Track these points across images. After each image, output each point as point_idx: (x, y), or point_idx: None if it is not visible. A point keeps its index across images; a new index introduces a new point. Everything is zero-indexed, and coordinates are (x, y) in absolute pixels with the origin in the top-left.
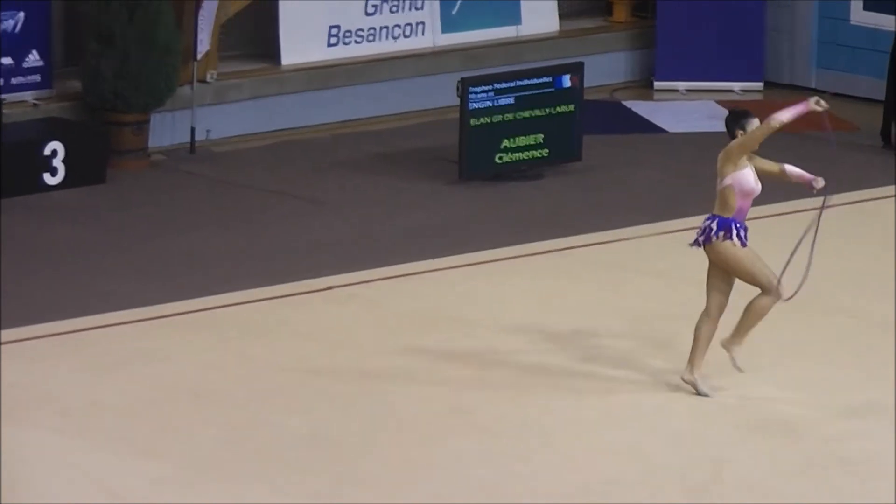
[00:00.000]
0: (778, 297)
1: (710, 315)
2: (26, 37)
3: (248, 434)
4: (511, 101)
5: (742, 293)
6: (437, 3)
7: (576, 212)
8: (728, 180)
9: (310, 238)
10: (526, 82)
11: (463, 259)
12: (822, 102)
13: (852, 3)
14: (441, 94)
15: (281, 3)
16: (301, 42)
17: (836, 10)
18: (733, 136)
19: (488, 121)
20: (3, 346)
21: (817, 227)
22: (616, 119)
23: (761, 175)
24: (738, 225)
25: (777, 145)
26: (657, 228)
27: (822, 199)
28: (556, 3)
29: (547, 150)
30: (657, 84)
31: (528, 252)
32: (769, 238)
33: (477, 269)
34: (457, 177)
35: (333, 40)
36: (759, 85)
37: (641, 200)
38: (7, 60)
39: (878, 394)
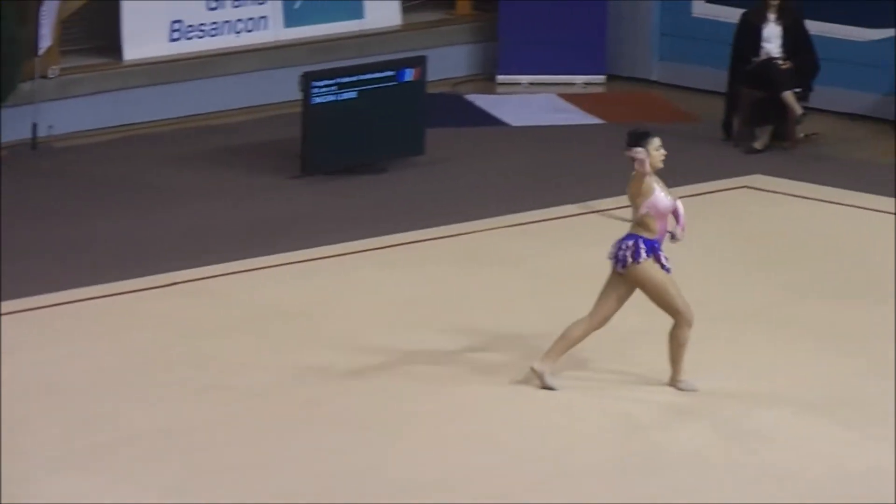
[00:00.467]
0: (691, 321)
1: (593, 321)
2: None
3: (96, 427)
4: (354, 95)
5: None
6: None
7: (420, 205)
8: (644, 209)
9: (154, 233)
10: (369, 76)
11: (308, 253)
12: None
13: None
14: (285, 88)
15: None
16: (143, 37)
17: (678, 2)
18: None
19: (331, 115)
20: None
21: None
22: (459, 113)
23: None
24: (660, 248)
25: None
26: (502, 221)
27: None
28: None
29: (390, 144)
30: (500, 77)
31: (372, 246)
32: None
33: (322, 263)
34: (300, 171)
35: (176, 35)
36: (601, 78)
37: (485, 193)
38: None
39: (718, 386)
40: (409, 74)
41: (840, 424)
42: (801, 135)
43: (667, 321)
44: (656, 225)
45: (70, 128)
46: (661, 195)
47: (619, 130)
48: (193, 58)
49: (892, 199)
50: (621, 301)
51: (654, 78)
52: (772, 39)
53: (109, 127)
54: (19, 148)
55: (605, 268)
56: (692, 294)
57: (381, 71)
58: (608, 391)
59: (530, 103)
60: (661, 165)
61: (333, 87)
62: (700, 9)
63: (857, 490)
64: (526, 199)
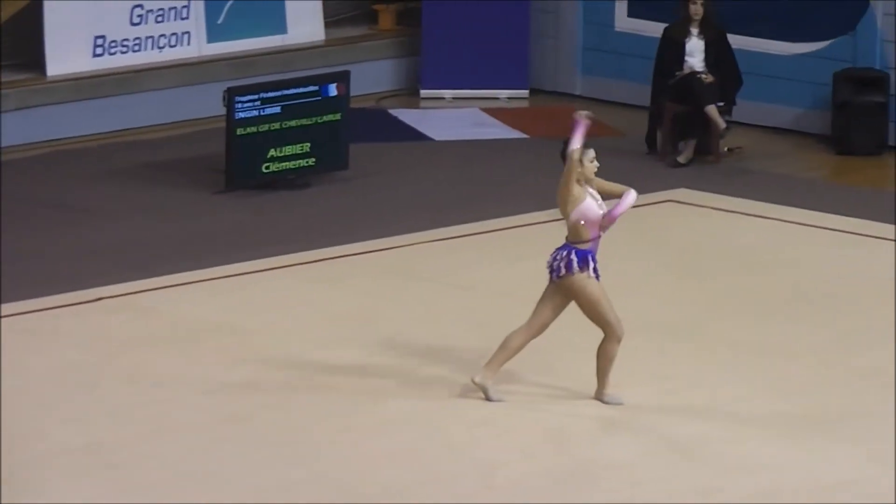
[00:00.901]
0: (621, 336)
1: (531, 330)
2: None
3: (21, 444)
4: (277, 110)
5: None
6: (203, 13)
7: (344, 220)
8: (574, 216)
9: (78, 248)
10: (292, 91)
11: (234, 268)
12: (582, 113)
13: (616, 9)
14: (208, 103)
15: (46, 12)
16: (66, 52)
17: (601, 16)
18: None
19: (255, 130)
20: None
21: None
22: (382, 127)
23: (606, 196)
24: (594, 257)
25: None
26: (426, 236)
27: None
28: (321, 11)
29: (314, 159)
30: (423, 92)
31: (298, 261)
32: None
33: (248, 278)
34: (224, 186)
35: (99, 50)
36: (524, 92)
37: (409, 208)
38: None
39: (644, 400)
40: (333, 89)
41: (764, 438)
42: (725, 149)
43: (595, 335)
44: (588, 233)
45: None
46: (591, 204)
47: (542, 145)
48: (117, 73)
49: (815, 213)
50: (557, 310)
51: (577, 92)
52: (695, 54)
53: (33, 143)
54: None
55: (531, 281)
56: (617, 307)
57: (305, 86)
58: (537, 405)
59: (454, 118)
60: (593, 177)
61: (257, 102)
62: (623, 23)
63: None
64: (451, 214)
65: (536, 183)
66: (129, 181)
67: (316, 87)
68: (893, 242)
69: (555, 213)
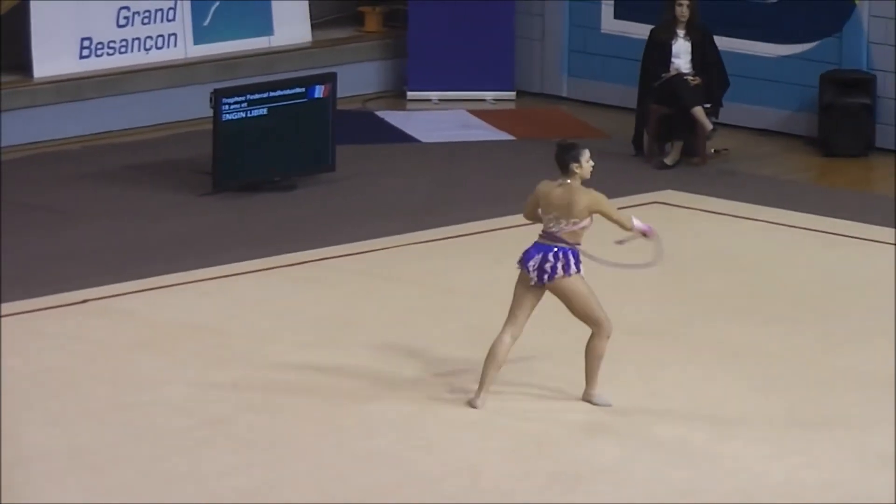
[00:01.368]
0: (610, 333)
1: (515, 331)
2: None
3: (4, 445)
4: (264, 111)
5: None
6: (189, 15)
7: (330, 222)
8: (587, 222)
9: (63, 250)
10: (279, 93)
11: (219, 270)
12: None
13: (603, 11)
14: (194, 105)
15: (32, 14)
16: (52, 54)
17: (587, 18)
18: (566, 168)
19: (241, 131)
20: None
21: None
22: (369, 129)
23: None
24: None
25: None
26: (411, 238)
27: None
28: (308, 13)
29: (300, 161)
30: (410, 94)
31: (283, 263)
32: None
33: (233, 280)
34: (211, 187)
35: (85, 52)
36: (511, 94)
37: (395, 210)
38: None
39: (628, 402)
40: (319, 91)
41: (748, 439)
42: (711, 150)
43: (578, 337)
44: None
45: None
46: None
47: (528, 146)
48: (103, 75)
49: (802, 214)
50: (533, 309)
51: (563, 94)
52: (681, 55)
53: (18, 144)
54: None
55: (512, 284)
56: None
57: (292, 88)
58: (521, 407)
59: (440, 119)
60: (588, 177)
61: (244, 104)
62: (609, 25)
63: None
64: (437, 215)
65: (522, 185)
66: (115, 183)
67: (302, 89)
68: (885, 244)
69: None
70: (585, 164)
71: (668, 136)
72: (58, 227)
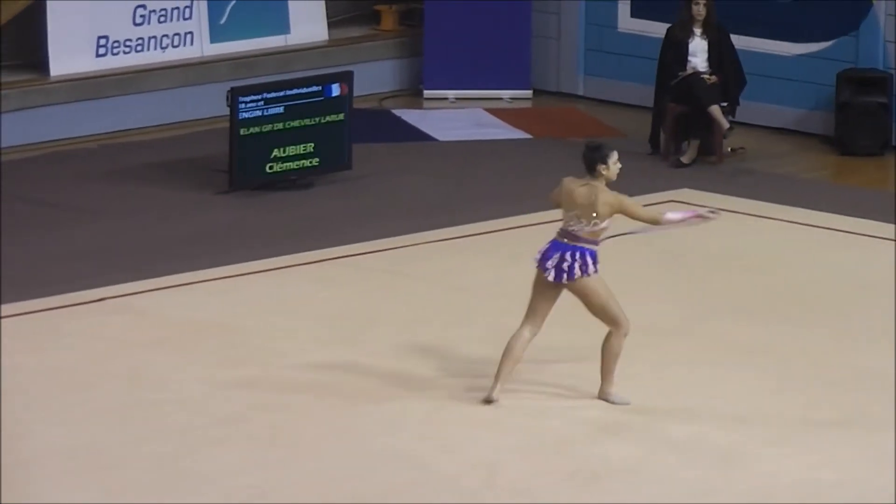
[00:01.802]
0: (628, 331)
1: (535, 328)
2: None
3: (13, 445)
4: (281, 110)
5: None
6: (206, 13)
7: (346, 220)
8: (607, 223)
9: (80, 249)
10: (295, 91)
11: (236, 268)
12: (714, 214)
13: (619, 10)
14: (211, 103)
15: (49, 13)
16: (69, 52)
17: (603, 17)
18: (593, 169)
19: (258, 130)
20: None
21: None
22: (385, 128)
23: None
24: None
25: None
26: (427, 236)
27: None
28: (324, 11)
29: (317, 160)
30: (426, 93)
31: (300, 261)
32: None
33: (250, 278)
34: (227, 186)
35: (102, 51)
36: (527, 93)
37: (411, 208)
38: None
39: (641, 401)
40: (336, 90)
41: (765, 439)
42: (728, 149)
43: (591, 336)
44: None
45: None
46: None
47: (544, 145)
48: (119, 73)
49: (818, 213)
50: (552, 306)
51: (580, 93)
52: (698, 54)
53: (35, 143)
54: None
55: (528, 282)
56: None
57: (308, 86)
58: (536, 406)
59: (457, 118)
60: (615, 179)
61: (260, 103)
62: (625, 24)
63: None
64: (454, 214)
65: (538, 183)
66: (131, 181)
67: (319, 88)
68: (894, 242)
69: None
70: (612, 165)
71: (684, 134)
72: (74, 226)
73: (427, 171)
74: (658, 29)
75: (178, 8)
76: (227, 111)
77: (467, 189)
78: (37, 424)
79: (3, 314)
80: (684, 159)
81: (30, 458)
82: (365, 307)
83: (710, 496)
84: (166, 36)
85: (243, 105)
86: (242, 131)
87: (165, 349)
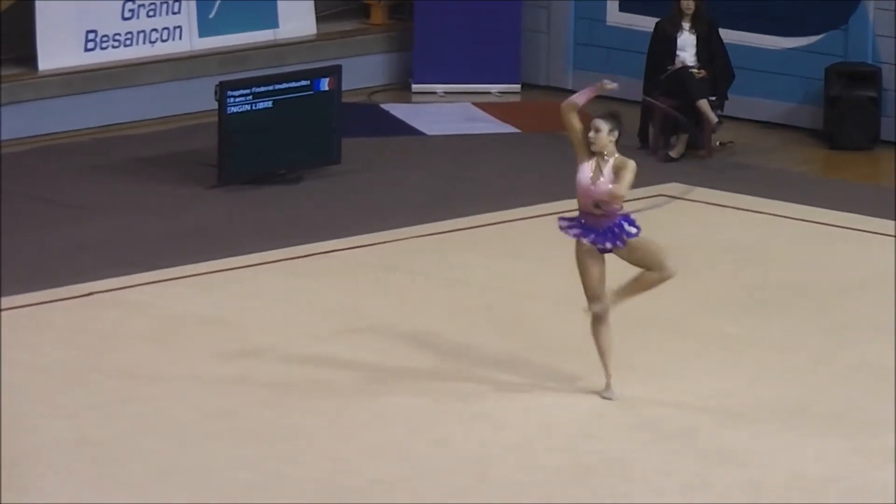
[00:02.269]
0: (670, 276)
1: (603, 309)
2: None
3: (11, 438)
4: (269, 104)
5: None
6: (195, 7)
7: (336, 214)
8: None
9: (70, 242)
10: (284, 86)
11: (225, 262)
12: (608, 83)
13: (608, 4)
14: (200, 97)
15: (38, 7)
16: (58, 47)
17: (592, 11)
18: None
19: (247, 124)
20: None
21: None
22: (374, 122)
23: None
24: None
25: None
26: (417, 230)
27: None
28: (312, 5)
29: (306, 154)
30: (415, 87)
31: (289, 255)
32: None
33: (239, 273)
34: (216, 181)
35: (91, 45)
36: (516, 87)
37: (401, 203)
38: None
39: (637, 393)
40: (325, 84)
41: (755, 432)
42: (717, 143)
43: (583, 330)
44: (580, 204)
45: None
46: (583, 169)
47: (534, 139)
48: (108, 68)
49: (808, 207)
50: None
51: (569, 87)
52: (686, 48)
53: (24, 137)
54: None
55: (523, 275)
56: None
57: (297, 80)
58: (530, 399)
59: (446, 112)
60: (604, 149)
61: (249, 97)
62: (614, 18)
63: (779, 497)
64: (443, 208)
65: (527, 177)
66: (120, 176)
67: (308, 82)
68: (891, 238)
69: (553, 206)
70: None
71: (673, 128)
72: (64, 220)
73: (416, 165)
74: (647, 23)
75: (166, 2)
76: (215, 105)
77: (456, 183)
78: (30, 419)
79: None
80: (673, 154)
81: (25, 454)
82: (355, 301)
83: (703, 491)
84: (155, 30)
85: (232, 99)
86: (231, 126)
87: (158, 344)
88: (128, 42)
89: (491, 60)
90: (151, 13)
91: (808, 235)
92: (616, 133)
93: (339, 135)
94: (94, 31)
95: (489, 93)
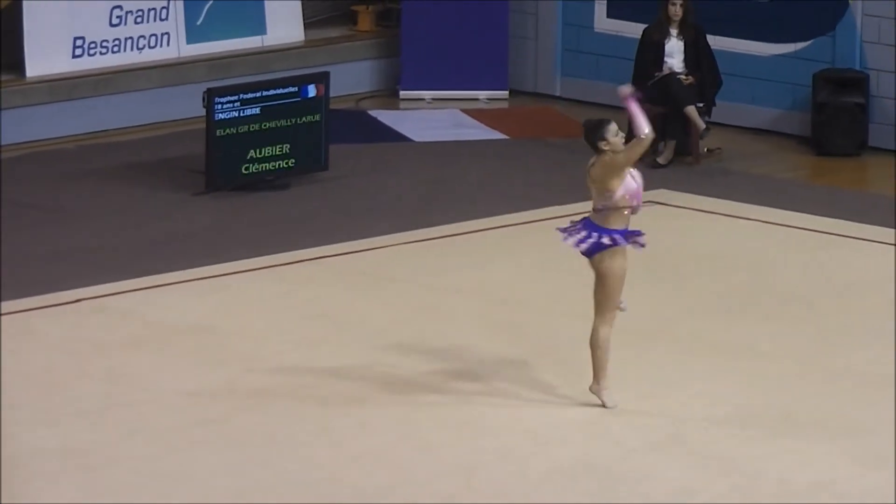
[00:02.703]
0: (611, 324)
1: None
2: None
3: None
4: (257, 111)
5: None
6: (182, 14)
7: (323, 221)
8: (620, 192)
9: (56, 249)
10: (272, 92)
11: (212, 269)
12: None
13: (596, 10)
14: (187, 104)
15: (25, 14)
16: (45, 53)
17: (580, 17)
18: (596, 148)
19: (234, 131)
20: None
21: None
22: (362, 129)
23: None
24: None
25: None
26: (405, 237)
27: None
28: (300, 12)
29: (293, 160)
30: (402, 93)
31: (276, 262)
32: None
33: (226, 279)
34: (204, 187)
35: (78, 51)
36: (504, 93)
37: (388, 209)
38: None
39: (622, 401)
40: (312, 90)
41: (742, 438)
42: (704, 150)
43: (568, 337)
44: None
45: None
46: (629, 180)
47: (521, 146)
48: (96, 74)
49: (795, 213)
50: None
51: (557, 93)
52: (674, 54)
53: (11, 144)
54: None
55: (510, 282)
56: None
57: (285, 87)
58: (515, 406)
59: (433, 119)
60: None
61: (237, 103)
62: (602, 24)
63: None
64: (430, 215)
65: (515, 184)
66: (108, 182)
67: (295, 89)
68: (879, 244)
69: (541, 212)
70: (613, 138)
71: (661, 135)
72: (51, 226)
73: (404, 172)
74: (634, 29)
75: (154, 9)
76: (203, 112)
77: (444, 190)
78: (15, 426)
79: None
80: (661, 160)
81: (10, 460)
82: (342, 308)
83: (690, 497)
84: (143, 37)
85: (220, 106)
86: (219, 132)
87: (144, 350)
88: (115, 48)
89: (479, 67)
90: (139, 20)
91: (795, 241)
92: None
93: (326, 141)
94: (82, 38)
95: (477, 99)
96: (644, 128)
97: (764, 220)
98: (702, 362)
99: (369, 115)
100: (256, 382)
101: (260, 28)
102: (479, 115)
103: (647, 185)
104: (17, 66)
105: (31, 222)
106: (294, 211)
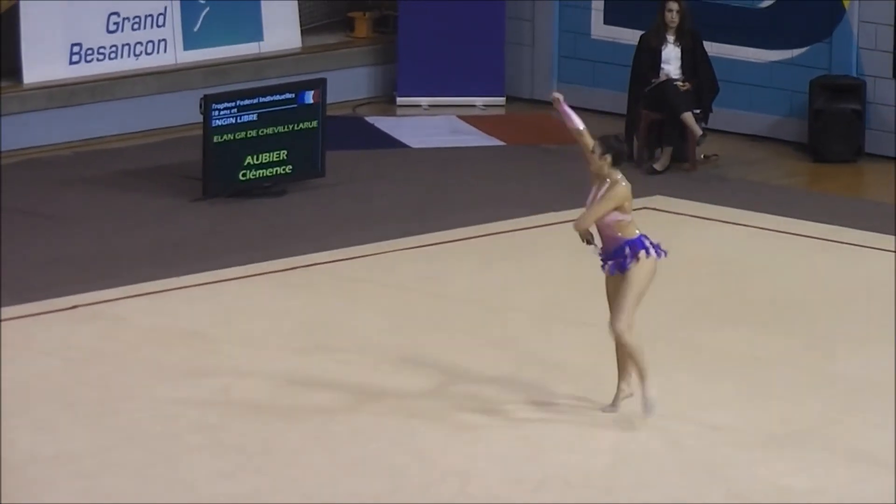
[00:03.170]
0: (613, 332)
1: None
2: None
3: None
4: (254, 117)
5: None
6: (179, 20)
7: (320, 227)
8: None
9: (52, 256)
10: (269, 99)
11: (208, 276)
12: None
13: (592, 17)
14: (184, 111)
15: (22, 20)
16: (42, 60)
17: (577, 24)
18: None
19: (231, 137)
20: None
21: None
22: (359, 135)
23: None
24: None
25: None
26: (401, 243)
27: None
28: (297, 19)
29: (290, 167)
30: (399, 100)
31: (273, 268)
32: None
33: (222, 286)
34: (200, 194)
35: (76, 58)
36: (501, 100)
37: (385, 216)
38: None
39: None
40: (309, 97)
41: (740, 446)
42: (701, 156)
43: (563, 345)
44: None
45: None
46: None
47: (518, 152)
48: (93, 81)
49: (792, 220)
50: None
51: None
52: (671, 61)
53: (9, 150)
54: None
55: (507, 288)
56: (592, 315)
57: (281, 93)
58: (511, 413)
59: (430, 125)
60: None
61: (233, 110)
62: (599, 31)
63: None
64: (427, 221)
65: (512, 190)
66: (105, 189)
67: (292, 95)
68: (874, 250)
69: (537, 218)
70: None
71: (657, 141)
72: (47, 233)
73: (400, 178)
74: (631, 36)
75: (151, 15)
76: (200, 118)
77: (441, 196)
78: (10, 433)
79: None
80: (657, 166)
81: (6, 466)
82: (338, 315)
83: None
84: (140, 43)
85: (216, 112)
86: (216, 139)
87: (140, 356)
88: (112, 55)
89: (475, 73)
90: (136, 26)
91: (792, 248)
92: (608, 156)
93: (323, 148)
94: (79, 44)
95: (474, 105)
96: (578, 124)
97: (761, 226)
98: (698, 368)
99: (366, 122)
100: (252, 389)
101: (257, 34)
102: (475, 121)
103: (645, 192)
104: (15, 72)
105: (28, 229)
106: (290, 217)
